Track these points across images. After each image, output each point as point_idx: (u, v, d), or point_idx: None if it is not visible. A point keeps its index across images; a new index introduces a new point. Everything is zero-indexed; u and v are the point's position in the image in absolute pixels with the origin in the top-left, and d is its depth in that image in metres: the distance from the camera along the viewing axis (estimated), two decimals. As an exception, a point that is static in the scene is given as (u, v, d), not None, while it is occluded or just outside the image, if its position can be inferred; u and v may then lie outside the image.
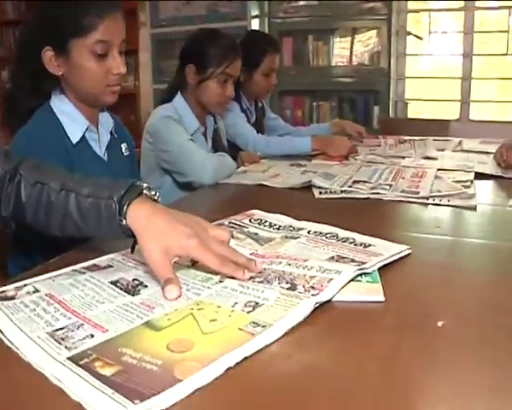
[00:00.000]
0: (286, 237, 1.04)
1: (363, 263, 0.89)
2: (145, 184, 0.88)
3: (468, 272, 0.95)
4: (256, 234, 1.07)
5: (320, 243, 0.99)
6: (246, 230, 1.09)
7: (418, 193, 1.41)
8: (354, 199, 1.40)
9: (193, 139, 1.69)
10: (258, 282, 0.83)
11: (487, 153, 2.04)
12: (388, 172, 1.64)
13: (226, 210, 1.27)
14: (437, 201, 1.37)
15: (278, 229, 1.10)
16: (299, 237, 1.03)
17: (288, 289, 0.79)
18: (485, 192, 1.50)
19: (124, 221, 0.84)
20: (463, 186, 1.48)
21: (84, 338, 0.65)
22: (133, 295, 0.78)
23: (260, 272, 0.86)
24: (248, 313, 0.73)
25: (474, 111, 4.02)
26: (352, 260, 0.91)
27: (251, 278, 0.84)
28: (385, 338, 0.69)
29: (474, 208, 1.31)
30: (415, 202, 1.37)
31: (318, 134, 2.15)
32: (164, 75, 4.10)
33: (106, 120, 1.39)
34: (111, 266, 0.89)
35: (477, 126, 4.02)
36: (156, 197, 0.90)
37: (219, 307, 0.75)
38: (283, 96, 4.06)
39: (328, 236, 1.04)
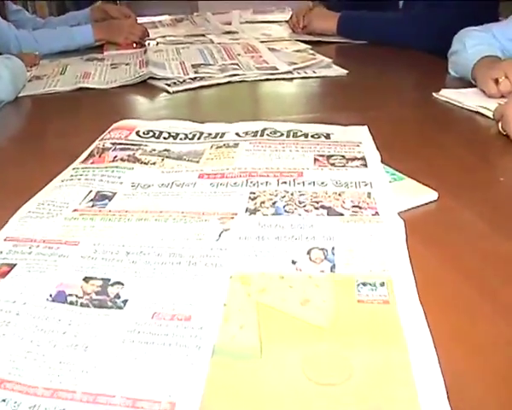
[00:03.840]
0: (218, 148, 0.73)
1: (362, 159, 0.66)
2: None
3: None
4: (167, 150, 0.73)
5: (277, 145, 0.72)
6: (148, 149, 0.74)
7: (276, 68, 1.20)
8: (212, 86, 1.11)
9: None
10: (273, 215, 0.54)
11: (276, 22, 1.91)
12: (216, 51, 1.37)
13: (67, 132, 0.87)
14: (302, 74, 1.18)
15: (189, 138, 0.77)
16: (237, 145, 0.73)
17: (329, 214, 0.53)
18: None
19: None
20: (312, 55, 1.31)
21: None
22: (119, 306, 0.42)
23: (258, 199, 0.57)
24: (333, 269, 0.45)
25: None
26: (344, 158, 0.67)
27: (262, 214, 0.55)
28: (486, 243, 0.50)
29: (345, 75, 1.17)
30: (280, 79, 1.16)
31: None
32: None
33: None
34: (13, 266, 0.48)
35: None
36: None
37: (282, 277, 0.45)
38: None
39: (268, 133, 0.77)
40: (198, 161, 0.69)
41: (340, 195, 0.57)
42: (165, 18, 2.06)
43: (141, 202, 0.59)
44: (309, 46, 1.41)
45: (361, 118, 0.84)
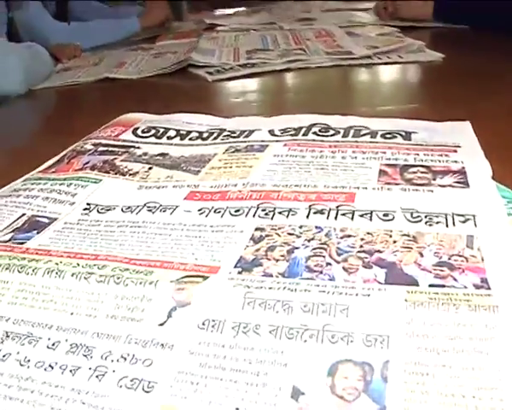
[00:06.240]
0: (235, 151, 0.49)
1: (461, 174, 0.40)
2: None
3: None
4: (164, 155, 0.50)
5: (325, 148, 0.47)
6: (138, 152, 0.51)
7: (351, 53, 0.94)
8: (266, 74, 0.87)
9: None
10: (282, 276, 0.29)
11: (361, 9, 1.64)
12: (282, 36, 1.13)
13: (72, 126, 0.67)
14: (385, 59, 0.91)
15: (202, 138, 0.54)
16: (264, 147, 0.49)
17: (388, 281, 0.28)
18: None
19: None
20: (399, 38, 1.04)
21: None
22: None
23: (265, 241, 0.32)
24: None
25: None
26: (430, 171, 0.41)
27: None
28: None
29: (441, 61, 0.89)
30: (355, 65, 0.89)
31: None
32: None
33: None
34: None
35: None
36: None
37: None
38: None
39: (317, 131, 0.51)
40: (198, 172, 0.45)
41: (415, 239, 0.31)
42: (241, 9, 1.85)
43: (82, 236, 0.36)
44: (397, 29, 1.14)
45: (462, 111, 0.56)
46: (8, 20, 1.19)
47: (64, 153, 0.53)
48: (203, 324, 0.26)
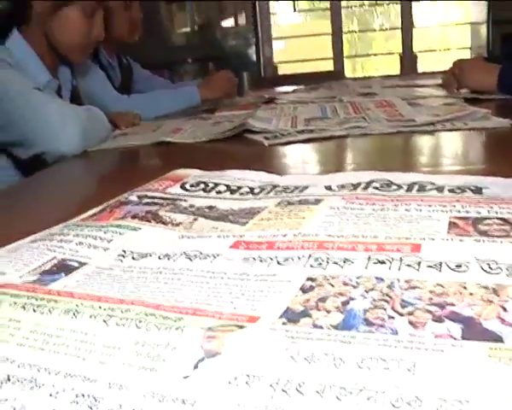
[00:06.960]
0: (288, 204, 0.45)
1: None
2: None
3: None
4: (211, 208, 0.47)
5: (386, 202, 0.42)
6: (184, 204, 0.48)
7: (413, 120, 0.90)
8: (325, 139, 0.84)
9: (40, 89, 0.99)
10: (335, 328, 0.24)
11: (423, 86, 1.62)
12: (341, 106, 1.11)
13: (122, 182, 0.66)
14: (448, 126, 0.87)
15: (253, 193, 0.51)
16: (319, 201, 0.45)
17: (465, 337, 0.22)
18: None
19: None
20: (462, 106, 1.00)
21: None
22: None
23: (315, 291, 0.27)
24: None
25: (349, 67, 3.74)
26: (507, 223, 0.35)
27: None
28: None
29: (508, 126, 0.84)
30: (418, 132, 0.85)
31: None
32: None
33: None
34: None
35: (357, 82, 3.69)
36: None
37: None
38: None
39: (377, 186, 0.47)
40: (246, 223, 0.41)
41: (495, 292, 0.26)
42: (301, 87, 1.87)
43: (110, 280, 0.33)
44: (461, 99, 1.10)
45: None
46: (72, 88, 1.23)
47: (107, 203, 0.51)
48: (235, 379, 0.21)
